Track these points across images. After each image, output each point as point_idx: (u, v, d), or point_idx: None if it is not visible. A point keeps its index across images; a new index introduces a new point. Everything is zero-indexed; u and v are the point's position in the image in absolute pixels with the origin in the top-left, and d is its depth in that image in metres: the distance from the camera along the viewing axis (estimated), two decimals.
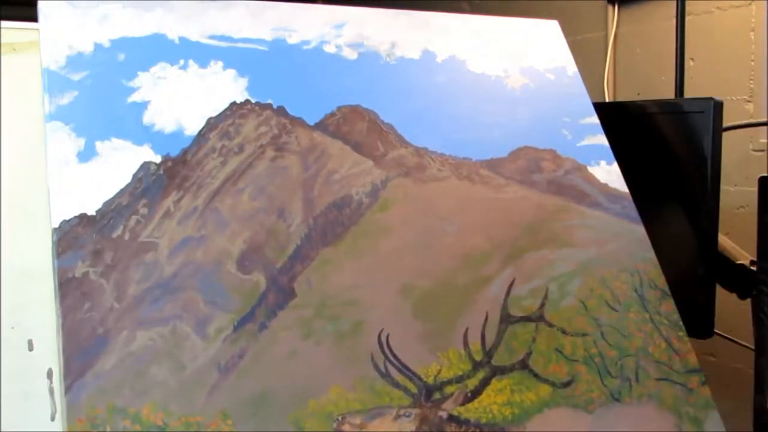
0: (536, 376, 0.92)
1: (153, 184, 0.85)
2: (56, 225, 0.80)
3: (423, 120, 1.03)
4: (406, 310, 0.89)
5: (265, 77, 0.96)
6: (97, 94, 0.87)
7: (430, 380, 0.87)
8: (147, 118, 0.88)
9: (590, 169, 1.10)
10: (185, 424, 0.76)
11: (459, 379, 0.88)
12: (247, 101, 0.94)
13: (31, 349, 0.87)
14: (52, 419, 0.86)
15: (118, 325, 0.78)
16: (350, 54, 1.03)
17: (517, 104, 1.12)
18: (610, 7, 2.03)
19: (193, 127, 0.90)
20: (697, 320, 1.13)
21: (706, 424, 0.97)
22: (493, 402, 0.88)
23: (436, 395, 0.87)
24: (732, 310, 1.26)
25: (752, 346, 1.16)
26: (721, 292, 1.19)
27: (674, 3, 1.72)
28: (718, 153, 1.15)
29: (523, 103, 1.13)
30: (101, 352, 0.76)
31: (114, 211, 0.83)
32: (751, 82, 1.69)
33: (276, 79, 0.97)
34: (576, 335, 0.95)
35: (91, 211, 0.82)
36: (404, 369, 0.86)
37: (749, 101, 1.70)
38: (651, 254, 1.07)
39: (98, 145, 0.85)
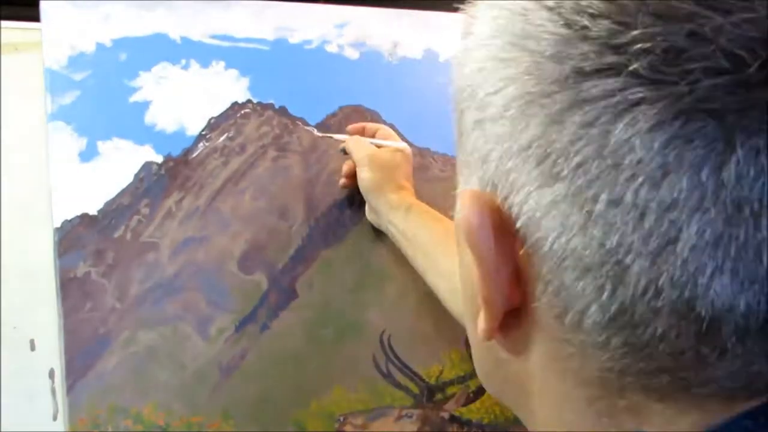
0: None
1: (155, 184, 0.85)
2: (58, 225, 0.80)
3: (425, 120, 1.02)
4: (407, 310, 0.89)
5: (266, 77, 0.96)
6: (98, 94, 0.87)
7: (432, 381, 0.87)
8: (149, 117, 0.88)
9: None
10: (187, 424, 0.76)
11: (461, 380, 0.88)
12: (248, 101, 0.94)
13: (32, 349, 0.87)
14: (54, 419, 0.86)
15: (120, 325, 0.78)
16: (352, 54, 1.03)
17: None
18: None
19: (194, 127, 0.90)
20: None
21: None
22: (495, 402, 0.88)
23: (438, 396, 0.86)
24: None
25: None
26: None
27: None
28: None
29: None
30: (103, 352, 0.76)
31: (116, 211, 0.83)
32: None
33: (278, 79, 0.96)
34: None
35: (92, 211, 0.82)
36: (406, 369, 0.86)
37: None
38: None
39: (100, 144, 0.85)
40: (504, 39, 0.27)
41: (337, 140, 0.91)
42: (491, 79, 0.27)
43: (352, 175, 0.86)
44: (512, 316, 0.29)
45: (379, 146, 0.87)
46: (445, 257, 0.75)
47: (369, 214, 0.88)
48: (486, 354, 0.33)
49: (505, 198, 0.27)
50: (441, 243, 0.76)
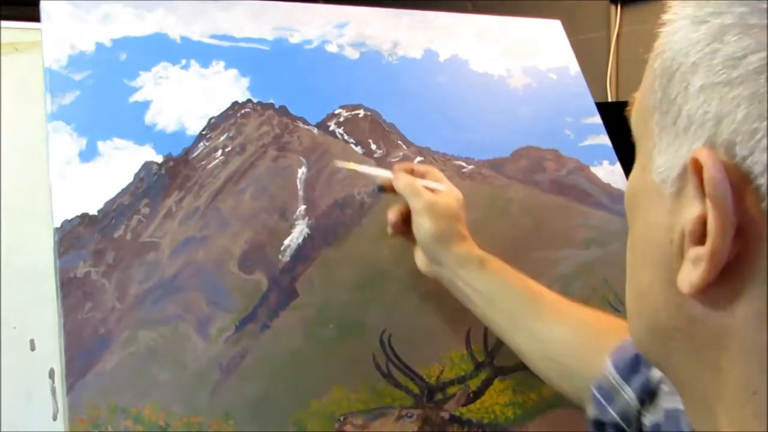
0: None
1: (155, 184, 0.85)
2: (58, 225, 0.80)
3: (425, 120, 1.03)
4: (408, 310, 0.89)
5: (266, 77, 0.96)
6: (98, 94, 0.87)
7: (432, 381, 0.87)
8: (149, 117, 0.88)
9: (593, 169, 1.10)
10: (187, 424, 0.76)
11: (461, 380, 0.88)
12: (248, 101, 0.94)
13: (32, 349, 0.87)
14: (54, 419, 0.86)
15: (120, 325, 0.78)
16: (352, 53, 1.03)
17: (520, 104, 1.12)
18: (612, 7, 2.02)
19: (194, 126, 0.90)
20: None
21: None
22: (495, 402, 0.88)
23: (438, 396, 0.86)
24: None
25: None
26: None
27: (677, 2, 1.71)
28: None
29: (525, 102, 1.12)
30: (103, 352, 0.76)
31: (116, 210, 0.83)
32: None
33: (278, 78, 0.96)
34: None
35: (92, 211, 0.82)
36: (406, 369, 0.86)
37: None
38: None
39: (100, 144, 0.85)
40: (752, 6, 0.29)
41: (370, 174, 0.83)
42: (736, 45, 0.29)
43: (403, 222, 0.80)
44: (722, 271, 0.31)
45: (431, 190, 0.80)
46: (536, 319, 0.73)
47: (425, 265, 0.81)
48: (674, 313, 0.34)
49: (745, 157, 0.29)
50: (529, 304, 0.74)
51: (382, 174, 0.82)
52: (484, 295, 0.76)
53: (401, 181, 0.80)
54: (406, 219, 0.80)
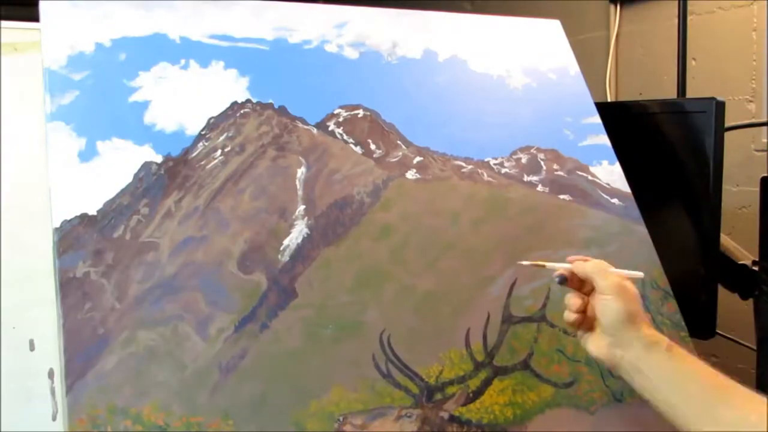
0: (538, 376, 0.91)
1: (154, 184, 0.85)
2: (57, 225, 0.80)
3: (424, 120, 1.03)
4: (407, 310, 0.89)
5: (266, 77, 0.96)
6: (98, 94, 0.87)
7: (432, 380, 0.87)
8: (148, 117, 0.88)
9: (592, 169, 1.10)
10: (186, 424, 0.76)
11: (461, 380, 0.88)
12: (248, 101, 0.94)
13: (32, 349, 0.87)
14: (54, 419, 0.86)
15: (119, 325, 0.78)
16: (351, 54, 1.03)
17: (519, 104, 1.12)
18: (612, 7, 2.02)
19: (194, 126, 0.90)
20: (699, 320, 1.13)
21: None
22: (494, 402, 0.88)
23: (438, 396, 0.86)
24: (734, 310, 1.26)
25: (754, 347, 1.16)
26: (723, 293, 1.19)
27: (676, 3, 1.71)
28: (720, 153, 1.14)
29: (525, 102, 1.13)
30: (102, 352, 0.76)
31: (115, 210, 0.83)
32: (753, 81, 1.69)
33: (277, 78, 0.97)
34: None
35: (92, 211, 0.82)
36: (405, 369, 0.86)
37: (751, 101, 1.69)
38: (653, 254, 1.07)
39: (99, 144, 0.85)
40: None
41: (552, 268, 0.83)
42: None
43: (584, 309, 0.80)
44: None
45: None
46: (727, 407, 0.70)
47: (602, 350, 0.78)
48: None
49: None
50: (720, 391, 0.72)
51: (561, 266, 0.82)
52: (671, 381, 0.73)
53: (588, 264, 0.80)
54: (582, 310, 0.80)
